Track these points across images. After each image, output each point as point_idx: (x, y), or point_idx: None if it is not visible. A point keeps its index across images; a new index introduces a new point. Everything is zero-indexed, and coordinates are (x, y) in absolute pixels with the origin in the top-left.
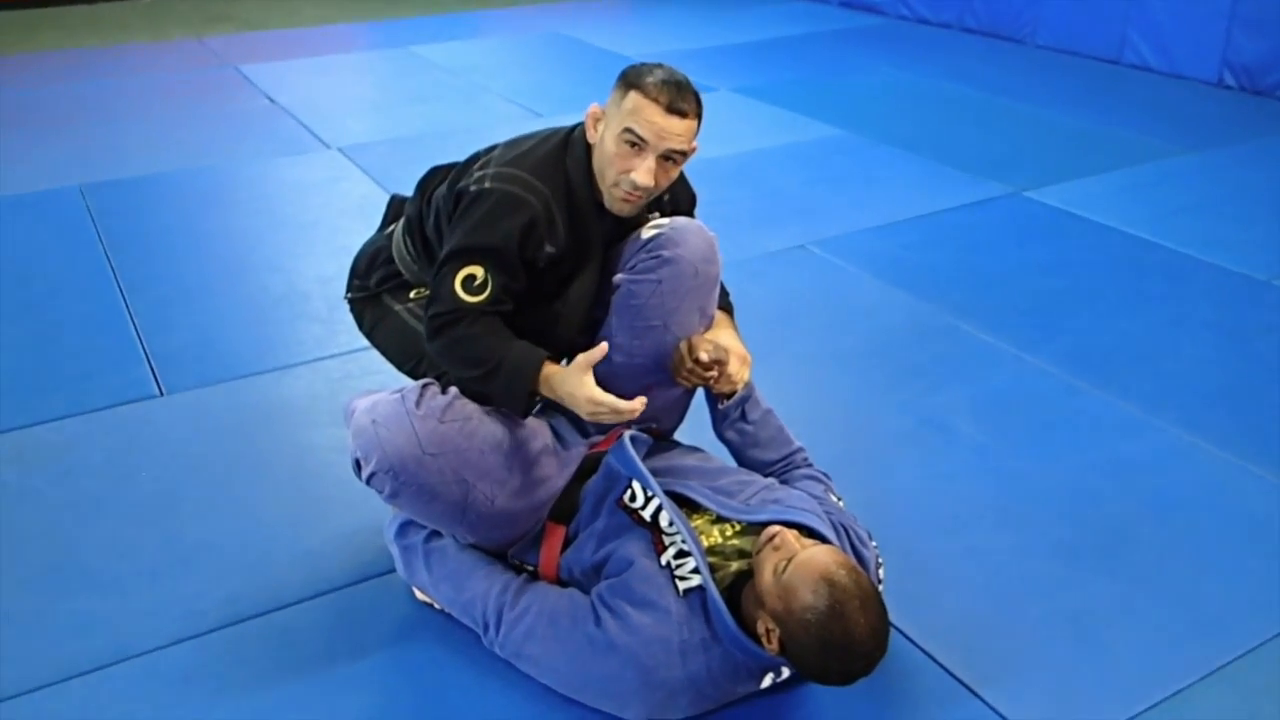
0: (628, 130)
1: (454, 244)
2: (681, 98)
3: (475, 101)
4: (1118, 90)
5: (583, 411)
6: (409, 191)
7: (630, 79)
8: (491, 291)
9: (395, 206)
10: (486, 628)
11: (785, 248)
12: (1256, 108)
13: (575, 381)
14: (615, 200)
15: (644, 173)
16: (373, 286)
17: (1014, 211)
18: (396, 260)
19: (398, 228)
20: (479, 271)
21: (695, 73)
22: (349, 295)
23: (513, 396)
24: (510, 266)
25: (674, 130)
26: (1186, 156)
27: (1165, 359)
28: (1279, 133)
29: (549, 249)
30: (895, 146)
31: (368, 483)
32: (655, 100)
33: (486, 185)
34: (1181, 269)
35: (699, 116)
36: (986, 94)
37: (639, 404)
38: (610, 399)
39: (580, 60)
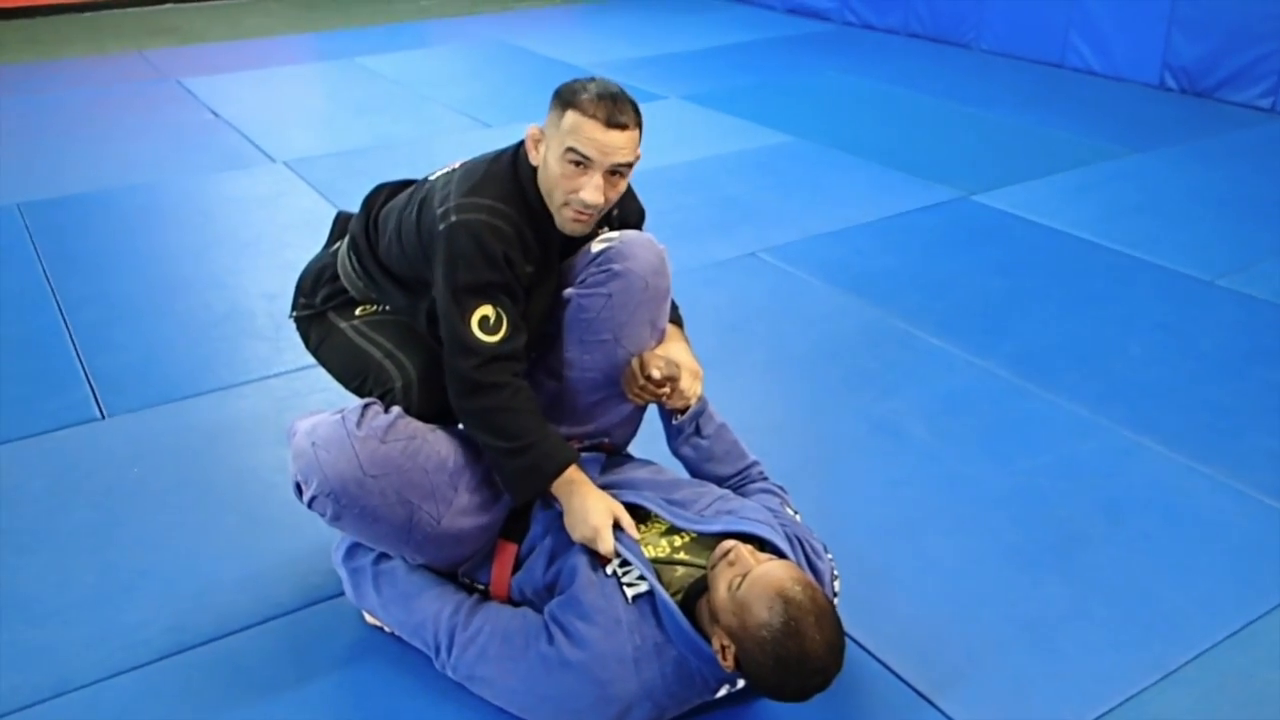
0: (570, 150)
1: (449, 287)
2: (620, 110)
3: (422, 113)
4: (1061, 93)
5: (580, 531)
6: (356, 205)
7: (565, 97)
8: (508, 325)
9: (341, 223)
10: (438, 650)
11: (736, 255)
12: (1196, 109)
13: (598, 506)
14: (566, 221)
15: (592, 190)
16: (318, 304)
17: (962, 215)
18: (342, 278)
19: (343, 245)
20: (490, 310)
21: (643, 81)
22: (294, 314)
23: (528, 484)
24: (513, 291)
25: (617, 144)
26: (1130, 158)
27: (1112, 359)
28: (1219, 134)
29: (529, 268)
30: (844, 152)
31: (309, 506)
32: (594, 117)
33: (454, 219)
34: (1127, 270)
35: (639, 125)
36: (933, 98)
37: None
38: (609, 538)
39: (528, 70)
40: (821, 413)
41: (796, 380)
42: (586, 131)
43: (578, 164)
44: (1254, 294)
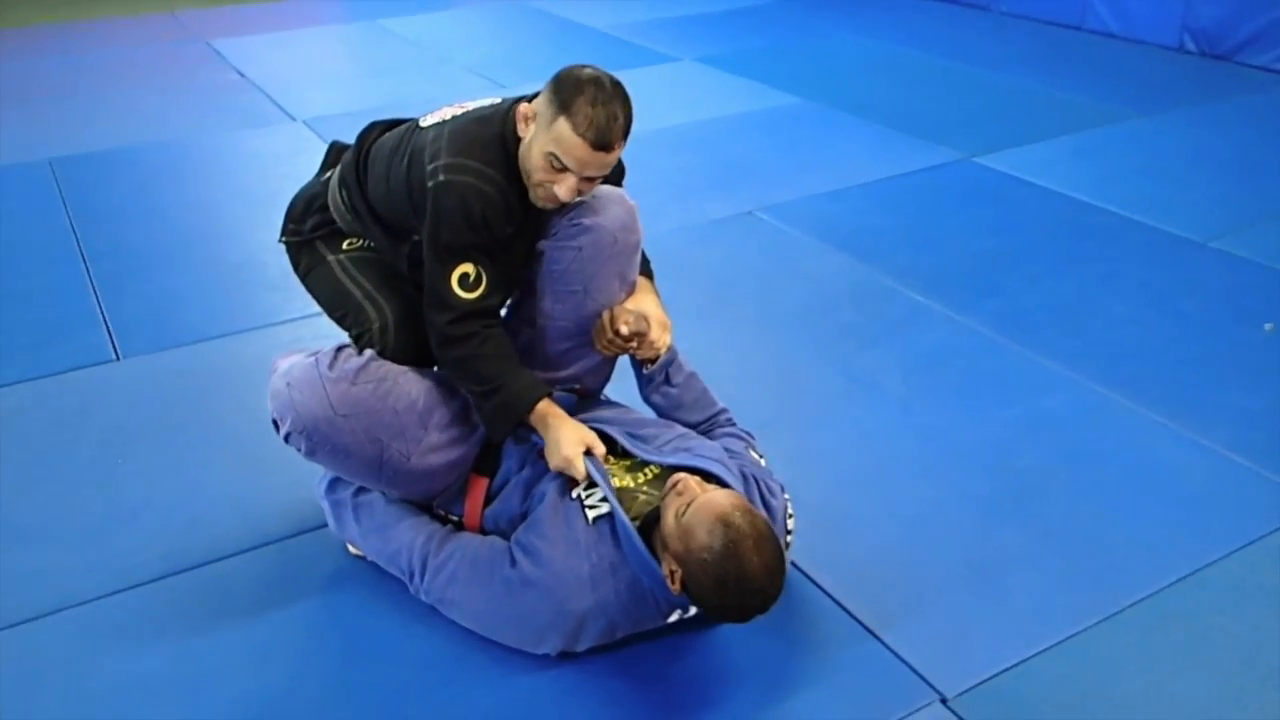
0: (552, 155)
1: (433, 244)
2: (610, 131)
3: (440, 74)
4: (1078, 56)
5: (554, 460)
6: None
7: (563, 98)
8: (487, 283)
9: (335, 152)
10: (412, 575)
11: (733, 214)
12: (1212, 72)
13: (570, 436)
14: (539, 198)
15: (566, 190)
16: (307, 232)
17: (963, 177)
18: (331, 209)
19: (334, 176)
20: (470, 268)
21: (658, 43)
22: (283, 238)
23: (502, 421)
24: (492, 251)
25: (600, 162)
26: (1140, 120)
27: (1091, 317)
28: (1235, 96)
29: (509, 228)
30: (850, 114)
31: (285, 441)
32: (583, 137)
33: (442, 179)
34: (1119, 231)
35: (626, 136)
36: (946, 60)
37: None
38: (581, 466)
39: (547, 32)
40: (802, 365)
41: (781, 334)
42: (569, 146)
43: (556, 167)
44: (1244, 255)
